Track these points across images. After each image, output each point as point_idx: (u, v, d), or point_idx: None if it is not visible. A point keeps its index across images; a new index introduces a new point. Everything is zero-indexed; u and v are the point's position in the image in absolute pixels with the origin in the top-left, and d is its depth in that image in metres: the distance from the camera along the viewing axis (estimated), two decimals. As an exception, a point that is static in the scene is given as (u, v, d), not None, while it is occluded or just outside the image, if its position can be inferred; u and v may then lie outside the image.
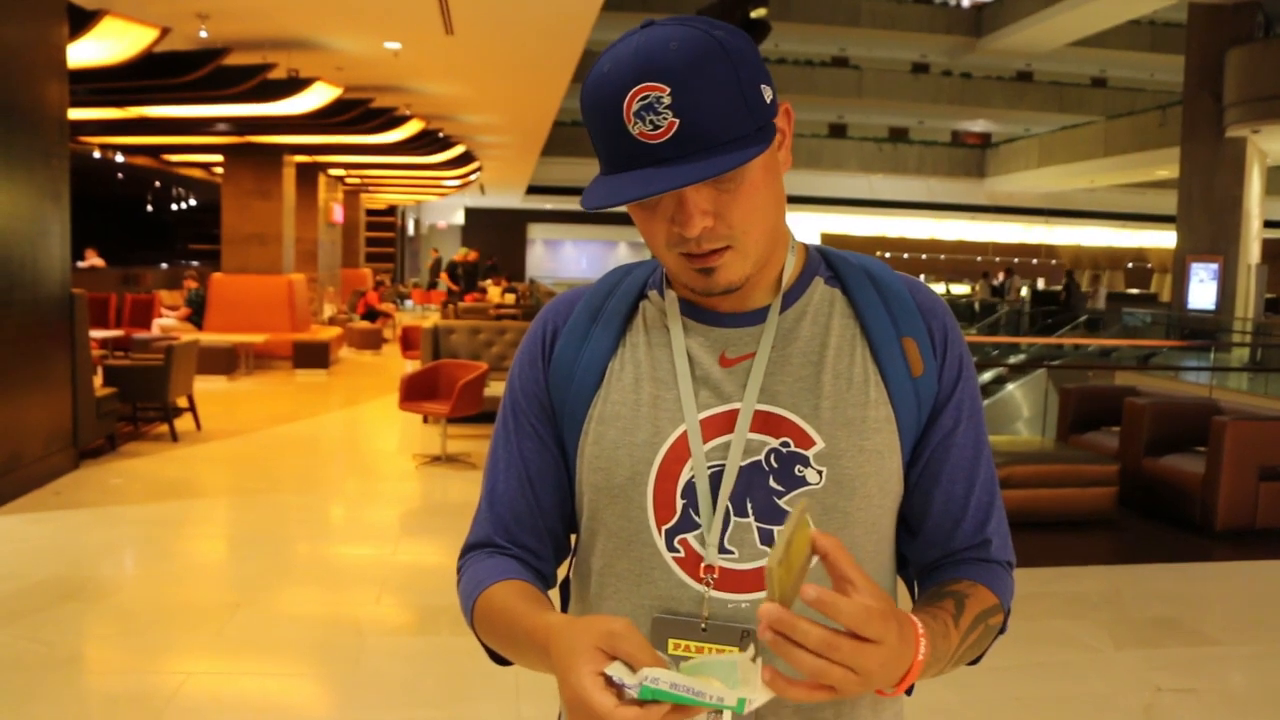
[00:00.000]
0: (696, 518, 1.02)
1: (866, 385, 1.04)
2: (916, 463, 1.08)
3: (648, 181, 0.91)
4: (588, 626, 0.87)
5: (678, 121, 0.90)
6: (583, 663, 0.84)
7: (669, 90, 0.90)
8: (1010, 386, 10.61)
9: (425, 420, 9.08)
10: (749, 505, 1.01)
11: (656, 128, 0.91)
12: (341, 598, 4.75)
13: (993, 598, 1.06)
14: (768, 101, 0.96)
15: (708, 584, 1.00)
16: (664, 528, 1.03)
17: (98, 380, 7.78)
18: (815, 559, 0.84)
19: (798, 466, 1.01)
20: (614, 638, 0.84)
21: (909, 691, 1.15)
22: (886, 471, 1.04)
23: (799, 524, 0.82)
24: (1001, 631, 1.07)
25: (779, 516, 1.01)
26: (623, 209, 0.97)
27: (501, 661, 1.11)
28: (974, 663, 1.08)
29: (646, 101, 0.90)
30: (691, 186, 0.93)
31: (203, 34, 8.72)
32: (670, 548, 1.02)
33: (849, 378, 1.04)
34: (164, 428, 8.34)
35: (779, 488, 1.01)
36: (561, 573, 1.20)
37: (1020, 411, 10.20)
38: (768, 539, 1.01)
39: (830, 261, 1.12)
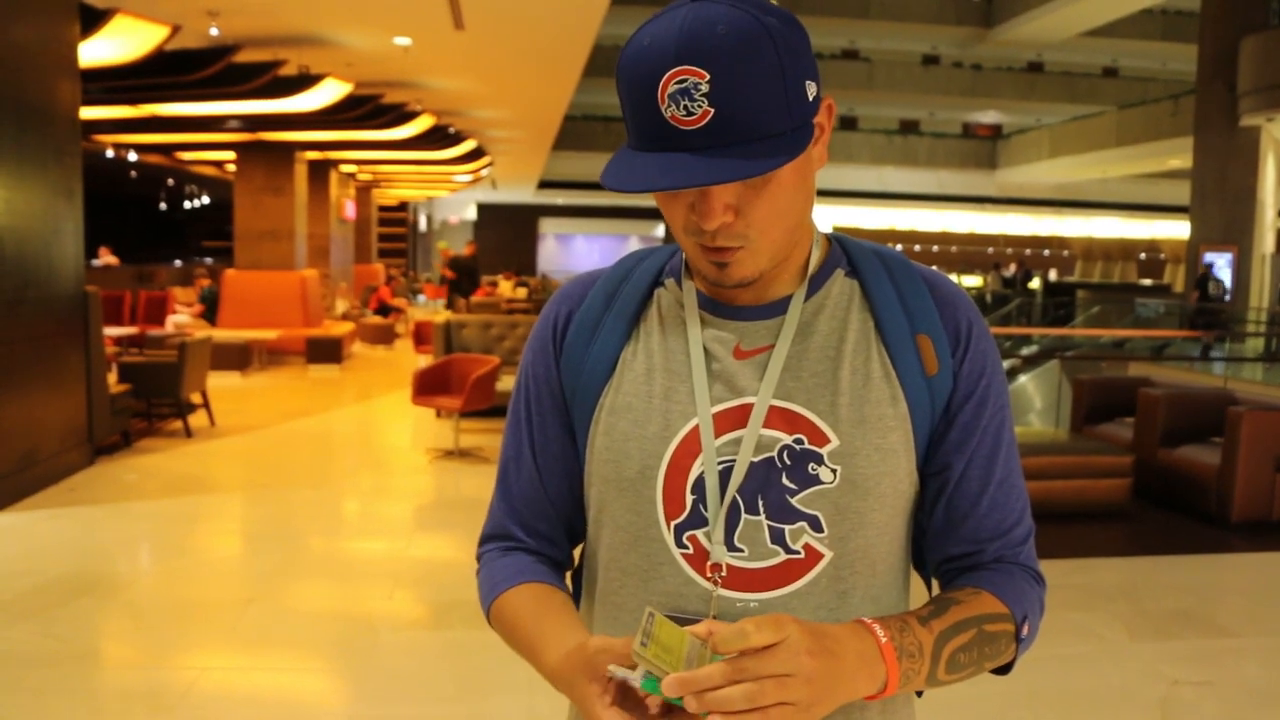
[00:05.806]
0: (706, 514, 0.99)
1: (884, 382, 1.01)
2: (930, 461, 1.05)
3: (673, 171, 0.87)
4: (572, 666, 0.92)
5: (713, 111, 0.86)
6: (586, 687, 0.89)
7: (708, 78, 0.86)
8: (1023, 378, 10.58)
9: (438, 415, 9.11)
10: (760, 503, 0.98)
11: (690, 114, 0.87)
12: (355, 592, 4.76)
13: (998, 605, 1.01)
14: (810, 99, 0.92)
15: (715, 582, 0.98)
16: (673, 523, 1.00)
17: (112, 377, 7.81)
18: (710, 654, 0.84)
19: (811, 464, 0.98)
20: (593, 661, 0.88)
21: (919, 692, 1.14)
22: (900, 471, 1.01)
23: (658, 625, 0.83)
24: (1021, 639, 1.03)
25: (792, 515, 0.98)
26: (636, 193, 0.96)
27: None
28: (1004, 670, 1.06)
29: (683, 86, 0.86)
30: None
31: (213, 31, 8.75)
32: (679, 544, 1.00)
33: (866, 374, 1.01)
34: (178, 424, 8.37)
35: (792, 485, 0.98)
36: (577, 554, 1.19)
37: (1033, 403, 10.16)
38: (779, 538, 0.98)
39: (849, 253, 1.08)
